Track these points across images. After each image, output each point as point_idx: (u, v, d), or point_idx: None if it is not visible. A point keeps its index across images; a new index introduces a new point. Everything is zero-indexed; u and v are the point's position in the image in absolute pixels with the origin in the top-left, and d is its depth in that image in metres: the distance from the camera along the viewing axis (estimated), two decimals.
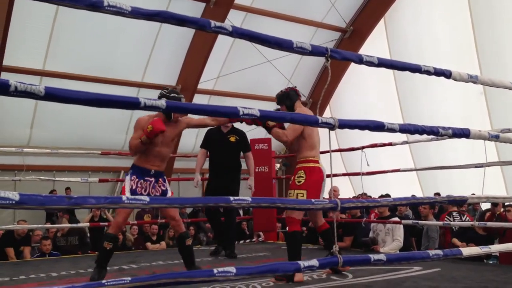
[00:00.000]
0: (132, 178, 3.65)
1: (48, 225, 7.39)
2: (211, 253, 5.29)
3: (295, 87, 4.09)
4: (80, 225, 7.25)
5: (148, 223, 8.13)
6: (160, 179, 3.75)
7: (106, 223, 7.70)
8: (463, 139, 2.92)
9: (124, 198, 1.81)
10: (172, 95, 3.69)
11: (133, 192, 3.59)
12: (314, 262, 2.11)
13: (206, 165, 5.53)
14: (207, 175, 5.64)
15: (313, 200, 2.25)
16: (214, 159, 5.35)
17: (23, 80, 1.63)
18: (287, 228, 3.67)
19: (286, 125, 3.71)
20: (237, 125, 5.17)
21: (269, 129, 3.69)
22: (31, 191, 1.68)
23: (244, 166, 5.44)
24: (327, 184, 3.79)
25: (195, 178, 5.36)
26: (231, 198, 2.05)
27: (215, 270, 1.93)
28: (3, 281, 3.92)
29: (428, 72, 2.67)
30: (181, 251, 3.85)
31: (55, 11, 9.49)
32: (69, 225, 7.01)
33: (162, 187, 3.75)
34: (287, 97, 3.87)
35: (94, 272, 3.61)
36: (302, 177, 3.62)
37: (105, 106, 1.83)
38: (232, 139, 5.31)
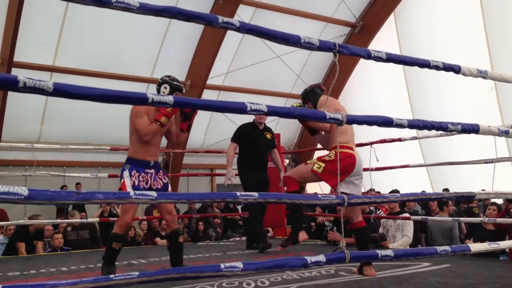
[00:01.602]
0: (133, 173, 3.50)
1: (59, 220, 7.45)
2: (247, 247, 5.38)
3: (320, 83, 4.05)
4: (90, 220, 7.29)
5: (158, 218, 8.16)
6: (160, 171, 3.67)
7: (116, 219, 7.77)
8: (473, 135, 2.90)
9: (131, 193, 1.82)
10: (174, 83, 3.65)
11: (136, 188, 3.43)
12: (321, 257, 2.11)
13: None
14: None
15: (319, 195, 2.25)
16: (252, 154, 5.35)
17: (33, 76, 1.64)
18: (285, 189, 3.72)
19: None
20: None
21: (310, 130, 3.79)
22: (42, 187, 1.70)
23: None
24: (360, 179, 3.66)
25: (228, 173, 5.24)
26: (238, 193, 2.06)
27: (222, 266, 1.94)
28: (14, 275, 3.97)
29: (437, 67, 2.65)
30: (172, 248, 3.71)
31: (64, 7, 9.55)
32: (79, 220, 7.06)
33: (163, 180, 3.65)
34: (312, 94, 3.85)
35: (104, 271, 3.47)
36: (331, 157, 3.53)
37: (113, 102, 1.83)
38: (268, 136, 5.48)
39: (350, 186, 3.54)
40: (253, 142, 5.37)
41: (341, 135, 3.54)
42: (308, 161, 3.64)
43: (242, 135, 5.45)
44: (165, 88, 3.64)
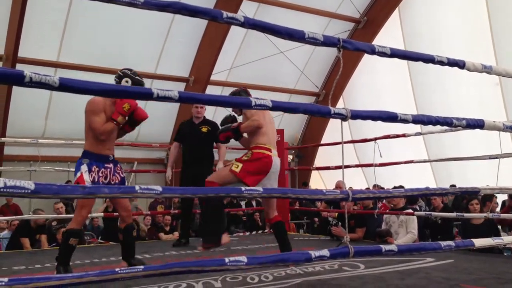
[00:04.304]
0: (93, 168, 3.39)
1: (63, 215, 7.47)
2: (173, 245, 5.34)
3: (245, 88, 4.15)
4: (94, 215, 7.32)
5: (161, 213, 8.20)
6: (118, 165, 3.60)
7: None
8: (478, 131, 2.90)
9: (137, 188, 1.82)
10: (137, 77, 3.59)
11: (96, 184, 3.34)
12: (325, 252, 2.12)
13: None
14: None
15: (324, 190, 2.26)
16: (186, 150, 5.41)
17: (37, 71, 1.65)
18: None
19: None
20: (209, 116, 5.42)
21: (236, 130, 3.86)
22: (46, 182, 1.71)
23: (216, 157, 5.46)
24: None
25: (167, 172, 5.47)
26: (243, 188, 2.07)
27: (226, 260, 1.95)
28: (19, 269, 3.99)
29: (441, 63, 2.65)
30: (125, 241, 3.67)
31: (68, 3, 9.57)
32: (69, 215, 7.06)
33: (121, 174, 3.60)
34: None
35: (60, 272, 3.30)
36: (248, 156, 3.65)
37: (118, 97, 1.85)
38: (204, 129, 5.37)
39: (267, 186, 3.63)
40: (186, 138, 5.41)
41: (261, 136, 3.69)
42: (227, 163, 3.70)
43: (178, 133, 5.56)
44: (126, 82, 3.57)
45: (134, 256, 3.72)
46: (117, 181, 3.55)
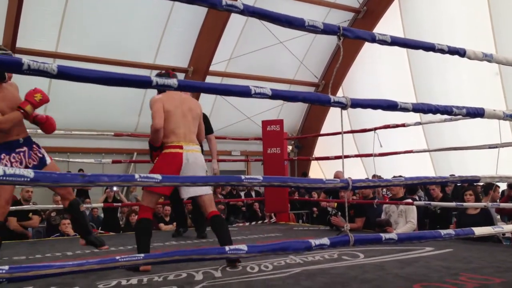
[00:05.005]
0: (2, 156, 3.21)
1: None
2: (173, 235, 5.33)
3: (173, 70, 3.91)
4: (94, 205, 7.35)
5: (161, 204, 8.19)
6: (34, 145, 3.41)
7: (120, 204, 7.82)
8: (477, 120, 2.89)
9: (136, 176, 1.82)
10: (1, 51, 3.31)
11: None
12: (325, 240, 2.12)
13: None
14: None
15: (324, 179, 2.25)
16: None
17: None
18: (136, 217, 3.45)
19: None
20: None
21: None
22: None
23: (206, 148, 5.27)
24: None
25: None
26: (242, 177, 2.06)
27: (227, 248, 1.95)
28: (19, 259, 4.00)
29: (441, 51, 2.63)
30: (76, 217, 3.57)
31: None
32: (84, 205, 7.07)
33: (38, 154, 3.40)
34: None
35: None
36: (154, 163, 3.49)
37: (117, 85, 1.83)
38: None
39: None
40: None
41: (170, 136, 3.41)
42: None
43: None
44: None
45: (91, 233, 3.59)
46: (35, 163, 3.36)
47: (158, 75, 3.69)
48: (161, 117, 3.40)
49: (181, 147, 3.41)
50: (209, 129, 5.07)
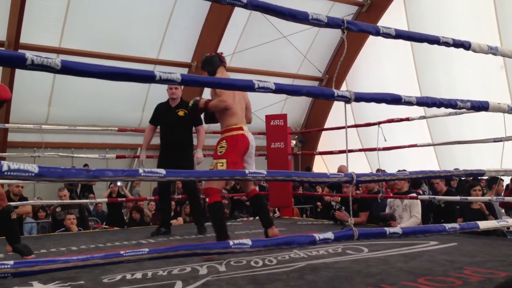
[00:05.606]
0: None
1: (67, 201, 7.50)
2: (152, 234, 5.04)
3: (222, 53, 3.97)
4: (98, 200, 7.37)
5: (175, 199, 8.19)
6: None
7: (124, 199, 7.84)
8: (482, 114, 2.88)
9: (140, 171, 1.82)
10: None
11: None
12: (329, 234, 2.12)
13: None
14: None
15: (328, 173, 2.25)
16: (163, 134, 5.16)
17: None
18: (207, 200, 3.62)
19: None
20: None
21: (204, 110, 3.81)
22: None
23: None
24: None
25: (140, 155, 5.27)
26: (246, 171, 2.06)
27: (231, 242, 1.95)
28: None
29: (446, 44, 2.62)
30: (4, 227, 3.60)
31: None
32: (87, 200, 7.11)
33: None
34: (209, 63, 3.84)
35: None
36: (224, 146, 3.60)
37: (120, 80, 1.83)
38: (181, 113, 5.04)
39: (246, 165, 3.70)
40: (163, 121, 5.14)
41: (230, 118, 3.65)
42: (210, 166, 3.63)
43: (154, 115, 5.24)
44: None
45: (19, 241, 3.64)
46: None
47: (208, 57, 3.89)
48: (228, 95, 3.61)
49: (241, 129, 3.67)
50: (198, 120, 4.94)
